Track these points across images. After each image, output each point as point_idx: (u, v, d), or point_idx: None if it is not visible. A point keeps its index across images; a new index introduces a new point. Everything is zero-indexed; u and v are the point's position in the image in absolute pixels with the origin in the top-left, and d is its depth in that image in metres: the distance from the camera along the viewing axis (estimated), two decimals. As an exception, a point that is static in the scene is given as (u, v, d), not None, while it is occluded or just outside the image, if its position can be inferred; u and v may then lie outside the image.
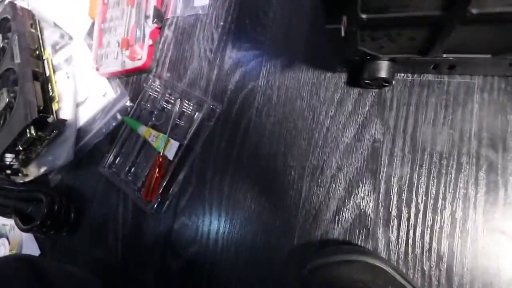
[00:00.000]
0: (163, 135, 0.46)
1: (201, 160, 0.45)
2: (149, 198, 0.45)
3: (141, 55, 0.49)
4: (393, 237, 0.33)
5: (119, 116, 0.51)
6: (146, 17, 0.50)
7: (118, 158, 0.50)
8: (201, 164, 0.44)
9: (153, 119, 0.48)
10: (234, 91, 0.45)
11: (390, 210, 0.34)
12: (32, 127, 0.47)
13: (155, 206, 0.45)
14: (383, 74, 0.32)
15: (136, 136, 0.49)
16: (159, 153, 0.46)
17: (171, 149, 0.45)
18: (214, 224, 0.42)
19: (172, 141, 0.46)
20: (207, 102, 0.45)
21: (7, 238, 0.57)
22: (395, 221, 0.34)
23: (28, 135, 0.47)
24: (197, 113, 0.46)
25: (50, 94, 0.52)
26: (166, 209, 0.45)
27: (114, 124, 0.51)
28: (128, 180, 0.48)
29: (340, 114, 0.38)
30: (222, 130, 0.44)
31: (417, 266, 0.32)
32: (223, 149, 0.43)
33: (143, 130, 0.48)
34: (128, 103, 0.51)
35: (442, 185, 0.33)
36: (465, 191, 0.33)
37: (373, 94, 0.37)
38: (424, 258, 0.32)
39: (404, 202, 0.34)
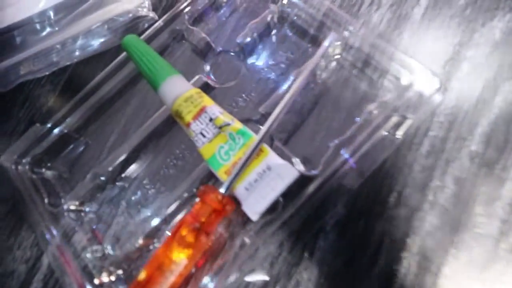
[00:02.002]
0: (246, 131, 0.22)
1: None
2: None
3: None
4: None
5: (106, 33, 0.30)
6: None
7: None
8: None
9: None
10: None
11: None
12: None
13: None
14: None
15: (148, 104, 0.28)
16: (216, 187, 0.21)
17: (265, 187, 0.21)
18: None
19: (274, 156, 0.22)
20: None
21: None
22: None
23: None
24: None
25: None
26: None
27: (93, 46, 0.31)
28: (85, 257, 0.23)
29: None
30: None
31: None
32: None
33: (178, 93, 0.23)
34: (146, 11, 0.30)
35: None
36: None
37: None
38: None
39: None
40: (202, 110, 0.23)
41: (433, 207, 0.23)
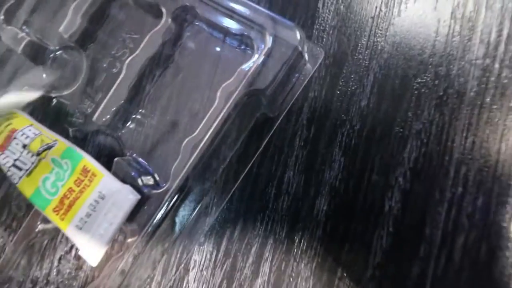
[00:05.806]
0: (73, 152, 0.18)
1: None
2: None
3: None
4: None
5: None
6: None
7: None
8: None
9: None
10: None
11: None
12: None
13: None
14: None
15: None
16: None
17: (101, 222, 0.17)
18: None
19: (110, 179, 0.17)
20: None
21: None
22: None
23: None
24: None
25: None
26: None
27: None
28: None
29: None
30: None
31: None
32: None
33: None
34: None
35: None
36: None
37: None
38: None
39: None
40: (10, 136, 0.18)
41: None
